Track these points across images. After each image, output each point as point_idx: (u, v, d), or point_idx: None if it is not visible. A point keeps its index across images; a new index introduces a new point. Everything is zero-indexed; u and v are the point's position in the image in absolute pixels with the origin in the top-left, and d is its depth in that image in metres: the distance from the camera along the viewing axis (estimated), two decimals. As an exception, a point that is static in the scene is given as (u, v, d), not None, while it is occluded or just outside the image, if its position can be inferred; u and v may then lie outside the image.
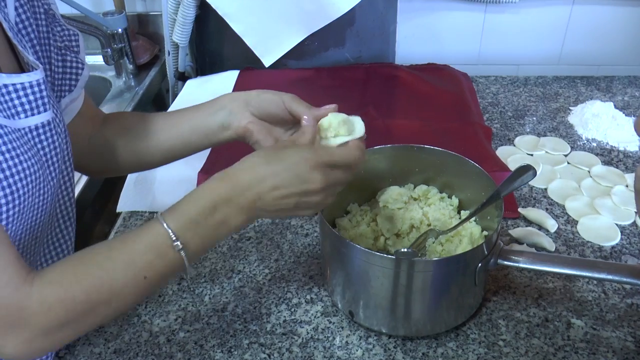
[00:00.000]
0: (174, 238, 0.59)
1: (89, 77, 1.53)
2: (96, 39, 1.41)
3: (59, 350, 0.77)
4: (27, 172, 0.57)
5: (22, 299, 0.53)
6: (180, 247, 0.59)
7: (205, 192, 0.62)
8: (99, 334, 0.79)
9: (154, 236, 0.59)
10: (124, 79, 1.50)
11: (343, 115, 0.70)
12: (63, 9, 1.34)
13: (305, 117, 0.71)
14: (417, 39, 1.53)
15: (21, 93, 0.58)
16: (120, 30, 1.43)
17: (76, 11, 1.37)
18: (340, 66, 1.42)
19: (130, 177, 1.09)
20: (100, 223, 1.19)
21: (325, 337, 0.78)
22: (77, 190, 1.10)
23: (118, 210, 1.03)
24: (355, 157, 0.67)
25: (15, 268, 0.54)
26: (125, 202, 1.04)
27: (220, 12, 1.25)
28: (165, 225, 0.59)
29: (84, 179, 1.12)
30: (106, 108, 1.39)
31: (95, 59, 1.55)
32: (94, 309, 0.56)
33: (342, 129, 0.69)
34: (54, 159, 0.63)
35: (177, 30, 1.36)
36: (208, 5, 1.27)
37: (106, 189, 1.20)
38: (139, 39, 1.54)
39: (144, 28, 1.58)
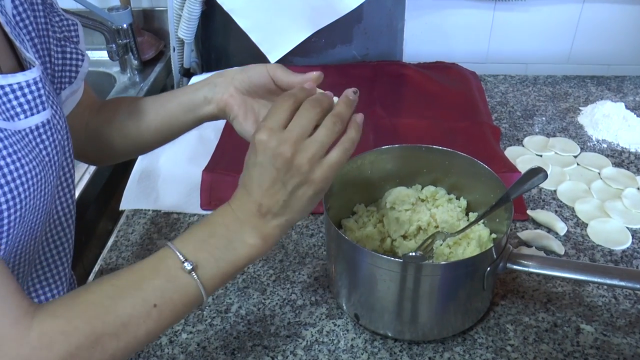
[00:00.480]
0: (183, 259, 0.56)
1: (95, 73, 1.52)
2: (101, 35, 1.39)
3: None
4: (29, 175, 0.55)
5: (22, 332, 0.49)
6: (191, 267, 0.56)
7: (212, 217, 0.60)
8: (101, 334, 0.78)
9: (162, 259, 0.56)
10: (128, 74, 1.49)
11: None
12: (68, 4, 1.34)
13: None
14: (425, 37, 1.51)
15: (19, 93, 0.56)
16: (125, 25, 1.41)
17: (81, 6, 1.36)
18: (347, 64, 1.40)
19: (134, 175, 1.08)
20: (103, 220, 1.18)
21: (330, 340, 0.76)
22: (80, 187, 1.09)
23: (121, 208, 1.02)
24: (282, 103, 0.59)
25: (16, 300, 0.50)
26: (129, 200, 1.03)
27: (225, 8, 1.24)
28: (172, 246, 0.56)
29: (87, 176, 1.11)
30: (111, 104, 1.38)
31: (100, 55, 1.54)
32: (99, 341, 0.52)
33: None
34: (55, 158, 0.61)
35: (183, 26, 1.35)
36: (214, 1, 1.26)
37: (109, 186, 1.19)
38: (144, 34, 1.52)
39: (150, 24, 1.56)
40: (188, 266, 0.56)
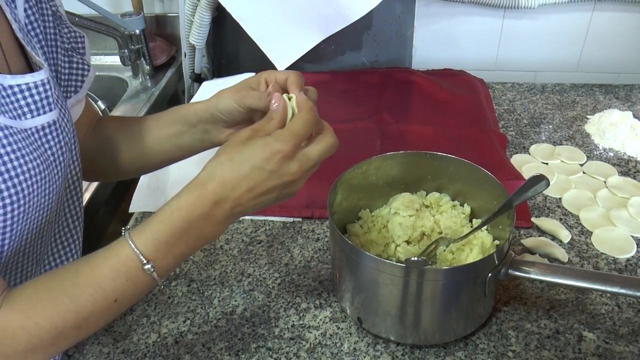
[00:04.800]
0: (145, 262, 0.56)
1: (107, 77, 1.55)
2: (114, 40, 1.42)
3: (68, 349, 0.78)
4: (33, 172, 0.57)
5: None
6: (152, 270, 0.57)
7: (177, 212, 0.58)
8: (108, 334, 0.80)
9: (123, 259, 0.56)
10: (140, 79, 1.51)
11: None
12: (81, 9, 1.36)
13: (274, 103, 0.63)
14: (434, 44, 1.52)
15: (27, 94, 0.59)
16: (137, 31, 1.44)
17: (94, 12, 1.39)
18: (356, 70, 1.41)
19: (144, 178, 1.09)
20: (114, 223, 1.20)
21: (333, 343, 0.77)
22: (91, 189, 1.11)
23: (130, 210, 1.04)
24: (309, 118, 0.61)
25: None
26: (138, 203, 1.04)
27: (234, 16, 1.25)
28: (134, 247, 0.56)
29: (98, 178, 1.12)
30: (122, 108, 1.40)
31: (112, 60, 1.56)
32: (61, 334, 0.55)
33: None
34: (60, 158, 0.63)
35: (194, 32, 1.37)
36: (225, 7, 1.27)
37: (120, 188, 1.21)
38: (156, 40, 1.55)
39: (162, 29, 1.59)
40: (151, 269, 0.57)
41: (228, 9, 1.25)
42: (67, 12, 0.84)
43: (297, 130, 0.59)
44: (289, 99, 0.64)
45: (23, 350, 0.53)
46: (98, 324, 0.58)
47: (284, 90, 0.68)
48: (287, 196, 0.63)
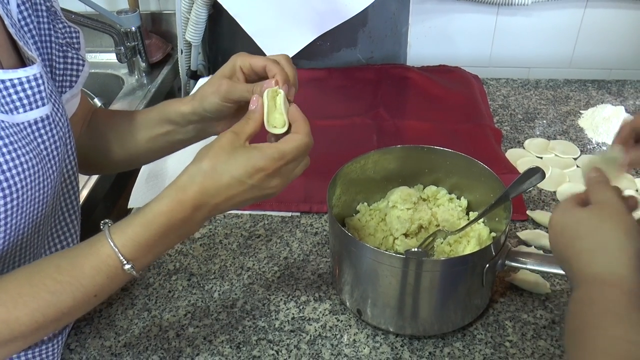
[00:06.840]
0: (125, 262, 0.57)
1: (103, 74, 1.55)
2: (110, 37, 1.42)
3: (70, 343, 0.78)
4: (25, 166, 0.58)
5: None
6: (132, 269, 0.58)
7: (158, 217, 0.58)
8: (110, 328, 0.80)
9: (104, 259, 0.57)
10: (136, 76, 1.52)
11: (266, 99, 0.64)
12: (78, 6, 1.37)
13: (252, 105, 0.63)
14: (429, 41, 1.53)
15: (19, 88, 0.59)
16: (133, 28, 1.44)
17: (91, 9, 1.39)
18: (351, 67, 1.42)
19: (142, 174, 1.10)
20: (112, 219, 1.20)
21: (333, 334, 0.78)
22: (89, 185, 1.11)
23: (129, 206, 1.04)
24: (304, 143, 0.61)
25: None
26: (137, 199, 1.05)
27: (231, 13, 1.26)
28: (115, 249, 0.57)
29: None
30: (118, 105, 1.41)
31: (108, 57, 1.56)
32: (41, 327, 0.57)
33: (276, 108, 0.64)
34: (54, 152, 0.63)
35: (190, 29, 1.38)
36: (221, 5, 1.28)
37: (118, 184, 1.21)
38: (152, 37, 1.55)
39: (157, 26, 1.59)
40: (131, 269, 0.58)
41: (225, 6, 1.26)
42: (62, 9, 0.84)
43: (287, 152, 0.60)
44: (276, 93, 0.63)
45: (3, 340, 0.55)
46: (77, 316, 0.61)
47: (261, 77, 0.68)
48: (265, 199, 0.64)
